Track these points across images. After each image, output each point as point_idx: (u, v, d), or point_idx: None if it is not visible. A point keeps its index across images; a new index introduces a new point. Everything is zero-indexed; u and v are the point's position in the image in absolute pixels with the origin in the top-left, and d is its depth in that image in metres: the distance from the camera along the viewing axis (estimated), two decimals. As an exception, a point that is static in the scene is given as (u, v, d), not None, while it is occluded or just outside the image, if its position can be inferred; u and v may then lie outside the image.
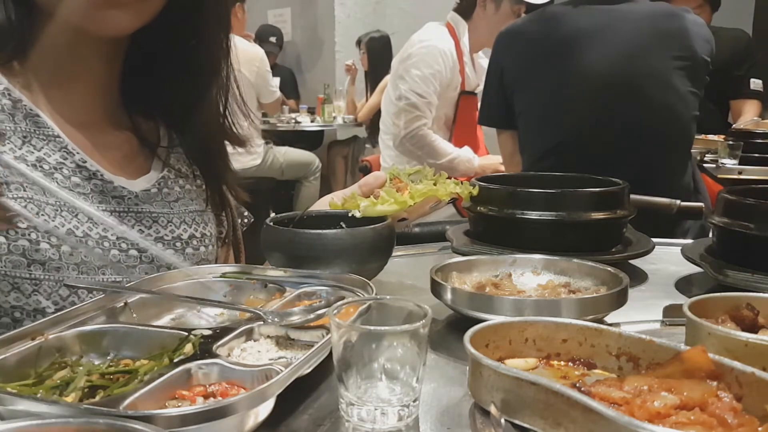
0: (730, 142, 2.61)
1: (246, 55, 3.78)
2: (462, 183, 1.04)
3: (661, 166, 1.81)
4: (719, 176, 2.49)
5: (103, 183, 0.89)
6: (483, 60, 2.85)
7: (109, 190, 0.90)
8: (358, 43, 5.54)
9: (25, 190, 0.80)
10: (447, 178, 1.04)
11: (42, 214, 0.81)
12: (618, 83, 1.79)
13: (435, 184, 1.01)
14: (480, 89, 2.69)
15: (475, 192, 1.09)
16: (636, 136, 1.78)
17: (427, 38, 2.73)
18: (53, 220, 0.81)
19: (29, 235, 0.79)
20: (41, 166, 0.84)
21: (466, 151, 2.78)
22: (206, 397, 0.56)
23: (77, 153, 0.87)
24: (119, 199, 0.90)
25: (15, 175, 0.81)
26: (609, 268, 0.87)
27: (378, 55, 5.22)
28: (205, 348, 0.62)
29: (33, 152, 0.84)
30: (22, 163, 0.82)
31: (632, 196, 1.18)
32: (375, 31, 5.49)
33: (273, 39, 5.94)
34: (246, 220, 1.16)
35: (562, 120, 1.88)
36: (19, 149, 0.83)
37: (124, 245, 0.88)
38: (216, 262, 1.05)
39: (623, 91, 1.79)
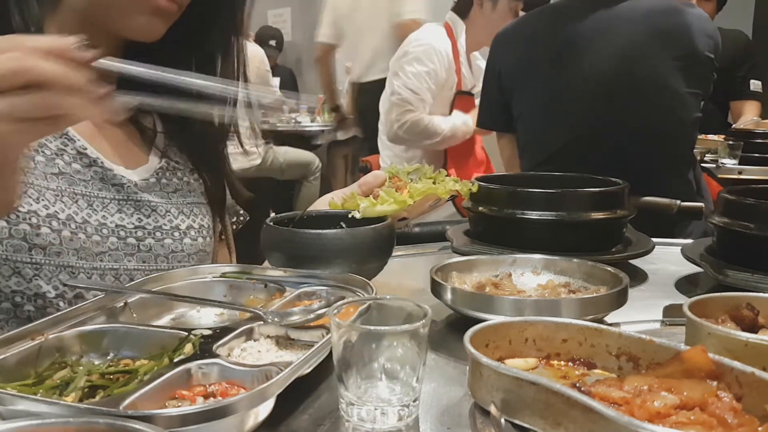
0: (730, 142, 2.61)
1: None
2: (461, 181, 1.04)
3: (662, 167, 1.80)
4: (719, 176, 2.49)
5: (103, 170, 0.90)
6: (480, 61, 2.85)
7: (109, 177, 0.90)
8: (358, 43, 5.53)
9: (25, 175, 0.81)
10: (446, 176, 1.04)
11: (42, 199, 0.82)
12: (616, 85, 1.78)
13: (434, 183, 1.01)
14: (477, 90, 2.68)
15: (474, 189, 1.09)
16: (636, 138, 1.77)
17: (423, 37, 2.74)
18: (53, 206, 0.82)
19: (30, 219, 0.80)
20: (42, 152, 0.85)
21: (457, 117, 2.76)
22: (206, 397, 0.56)
23: (78, 140, 0.88)
24: (119, 187, 0.91)
25: None
26: (609, 268, 0.87)
27: (378, 55, 5.21)
28: (205, 348, 0.62)
29: None
30: None
31: (632, 197, 1.18)
32: (375, 31, 5.47)
33: (273, 42, 5.93)
34: (242, 218, 1.17)
35: (562, 123, 1.87)
36: None
37: (122, 233, 0.89)
38: (214, 258, 1.06)
39: (622, 93, 1.78)
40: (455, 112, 2.78)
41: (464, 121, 2.73)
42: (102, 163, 0.90)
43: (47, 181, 0.83)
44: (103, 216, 0.87)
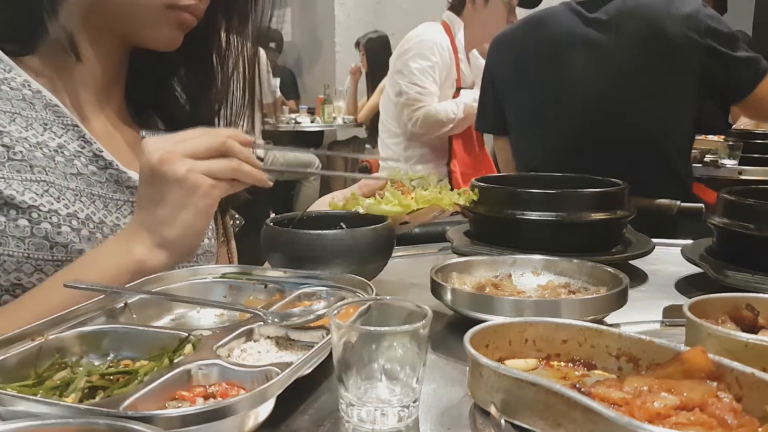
0: (730, 142, 2.61)
1: None
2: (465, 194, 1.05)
3: (655, 167, 1.79)
4: (719, 176, 2.48)
5: (118, 173, 0.92)
6: (480, 59, 2.85)
7: (123, 180, 0.92)
8: (357, 44, 5.54)
9: (47, 174, 0.83)
10: (450, 188, 1.04)
11: (63, 199, 0.84)
12: (604, 91, 1.77)
13: (440, 193, 1.01)
14: (477, 87, 2.69)
15: (476, 199, 1.09)
16: (630, 143, 1.77)
17: (423, 33, 2.75)
18: (73, 205, 0.84)
19: (51, 218, 0.82)
20: (62, 152, 0.86)
21: (466, 96, 2.76)
22: (206, 397, 0.56)
23: (94, 143, 0.90)
24: (132, 189, 0.92)
25: (38, 159, 0.83)
26: (609, 269, 0.87)
27: (377, 56, 5.23)
28: (205, 349, 0.62)
29: (54, 138, 0.87)
30: (44, 148, 0.85)
31: (632, 197, 1.18)
32: (373, 32, 5.49)
33: (273, 45, 5.93)
34: (237, 222, 1.18)
35: (554, 128, 1.87)
36: (41, 135, 0.85)
37: None
38: (217, 260, 1.07)
39: (614, 100, 1.77)
40: (462, 91, 2.78)
41: (473, 98, 2.71)
42: (117, 166, 0.92)
43: (67, 181, 0.85)
44: (117, 217, 0.90)
